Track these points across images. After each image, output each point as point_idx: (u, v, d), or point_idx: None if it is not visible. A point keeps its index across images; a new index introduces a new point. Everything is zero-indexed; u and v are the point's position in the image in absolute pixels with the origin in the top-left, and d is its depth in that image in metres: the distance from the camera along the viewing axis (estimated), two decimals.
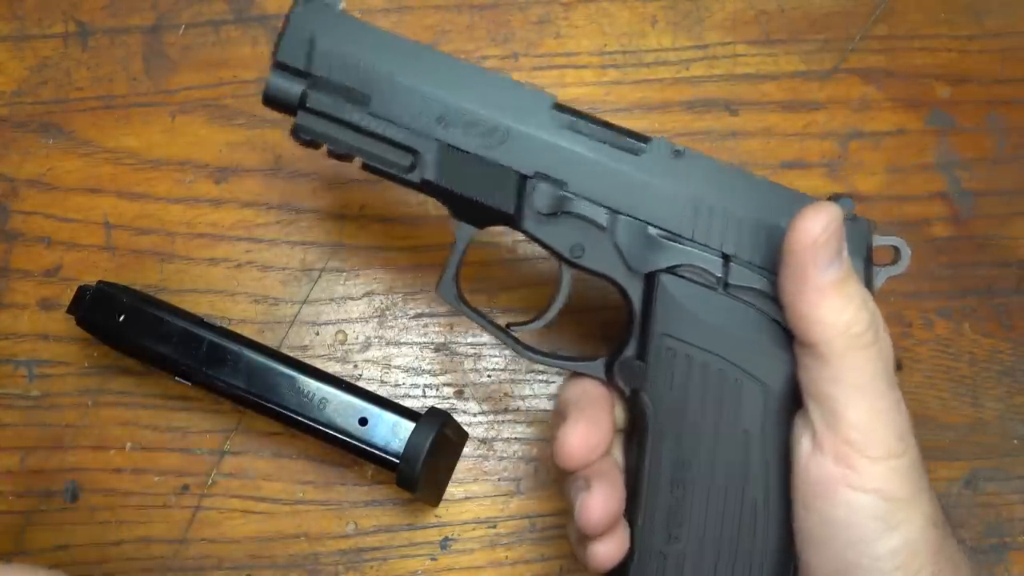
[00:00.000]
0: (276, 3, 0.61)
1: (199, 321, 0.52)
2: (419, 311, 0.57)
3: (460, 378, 0.56)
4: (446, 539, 0.55)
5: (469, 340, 0.57)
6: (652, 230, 0.42)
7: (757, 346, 0.41)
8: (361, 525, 0.54)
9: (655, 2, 0.62)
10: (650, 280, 0.42)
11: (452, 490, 0.55)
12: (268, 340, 0.56)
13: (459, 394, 0.56)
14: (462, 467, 0.55)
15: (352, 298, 0.57)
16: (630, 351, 0.43)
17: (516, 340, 0.46)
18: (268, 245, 0.58)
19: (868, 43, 0.62)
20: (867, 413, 0.38)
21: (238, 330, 0.54)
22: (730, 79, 0.61)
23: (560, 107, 0.43)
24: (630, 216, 0.42)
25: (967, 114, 0.62)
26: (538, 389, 0.56)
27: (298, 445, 0.55)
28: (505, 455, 0.56)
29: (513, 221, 0.43)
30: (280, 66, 0.43)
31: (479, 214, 0.44)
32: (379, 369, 0.56)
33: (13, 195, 0.58)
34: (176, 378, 0.51)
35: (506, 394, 0.56)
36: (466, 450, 0.55)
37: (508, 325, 0.46)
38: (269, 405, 0.50)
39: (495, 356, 0.57)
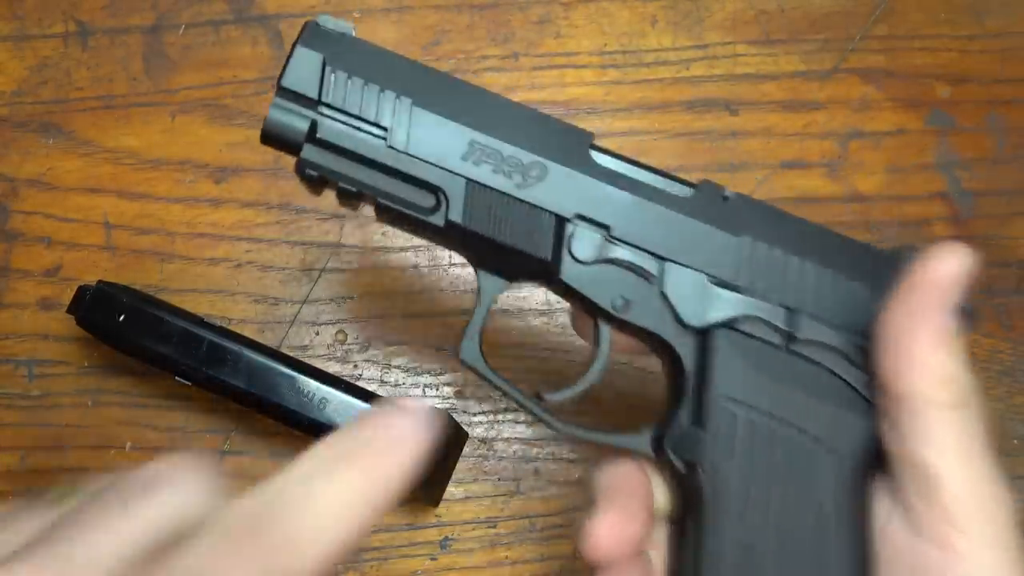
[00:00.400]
0: (276, 3, 0.61)
1: (199, 321, 0.52)
2: (419, 311, 0.57)
3: (460, 378, 0.56)
4: (446, 539, 0.55)
5: None
6: (707, 279, 0.38)
7: (828, 409, 0.36)
8: None
9: (655, 2, 0.62)
10: (706, 336, 0.38)
11: (452, 490, 0.55)
12: (268, 340, 0.56)
13: (459, 394, 0.56)
14: (462, 467, 0.55)
15: (352, 298, 0.57)
16: (683, 419, 0.37)
17: (549, 413, 0.40)
18: (268, 245, 0.58)
19: (868, 43, 0.62)
20: (970, 484, 0.33)
21: (238, 330, 0.54)
22: (730, 79, 0.61)
23: (597, 146, 0.39)
24: (682, 264, 0.38)
25: (967, 114, 0.62)
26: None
27: (298, 445, 0.55)
28: (505, 455, 0.56)
29: (549, 271, 0.38)
30: (285, 94, 0.37)
31: (510, 263, 0.39)
32: (379, 369, 0.56)
33: (13, 195, 0.58)
34: (176, 378, 0.51)
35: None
36: (466, 450, 0.55)
37: (538, 394, 0.41)
38: (269, 405, 0.50)
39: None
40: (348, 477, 0.27)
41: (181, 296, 0.56)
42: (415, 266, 0.58)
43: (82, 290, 0.52)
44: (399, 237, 0.58)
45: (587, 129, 0.39)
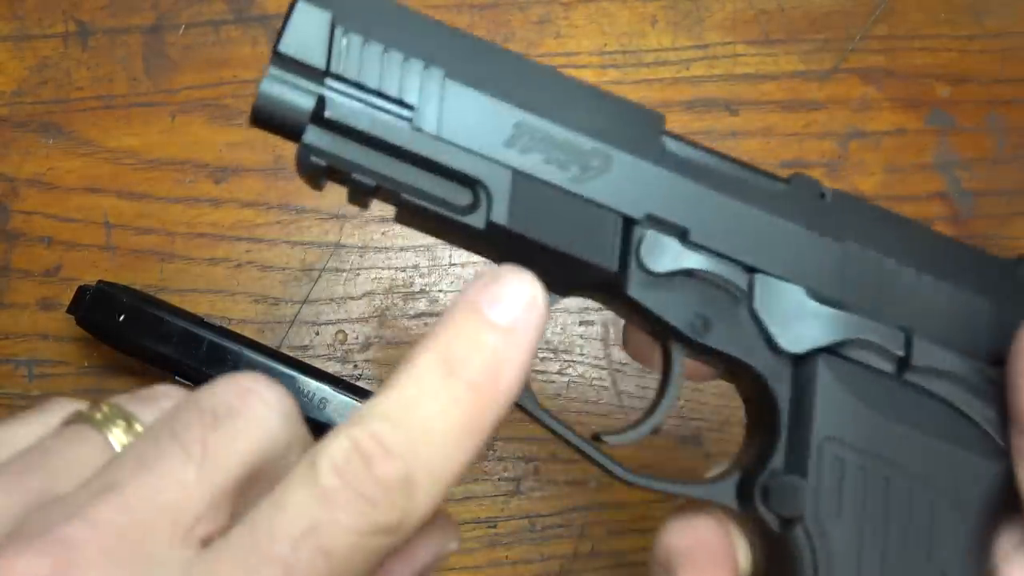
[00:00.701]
0: (276, 3, 0.61)
1: (199, 321, 0.52)
2: (419, 311, 0.57)
3: None
4: None
5: None
6: (806, 295, 0.32)
7: (951, 452, 0.31)
8: None
9: (655, 2, 0.62)
10: (804, 364, 0.31)
11: (452, 490, 0.55)
12: (268, 340, 0.56)
13: None
14: None
15: (352, 298, 0.57)
16: (776, 465, 0.31)
17: (610, 459, 0.33)
18: (268, 245, 0.58)
19: (868, 43, 0.62)
20: None
21: (238, 330, 0.54)
22: (730, 79, 0.61)
23: (670, 132, 0.32)
24: (776, 275, 0.32)
25: (967, 114, 0.62)
26: (538, 389, 0.56)
27: None
28: (505, 455, 0.56)
29: (613, 284, 0.31)
30: (284, 62, 0.29)
31: (564, 274, 0.31)
32: (379, 369, 0.56)
33: (13, 195, 0.58)
34: (176, 378, 0.51)
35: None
36: None
37: (596, 435, 0.34)
38: None
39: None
40: (459, 400, 0.24)
41: (181, 296, 0.56)
42: (415, 266, 0.58)
43: (82, 290, 0.52)
44: (399, 237, 0.58)
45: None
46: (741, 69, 0.61)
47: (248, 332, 0.55)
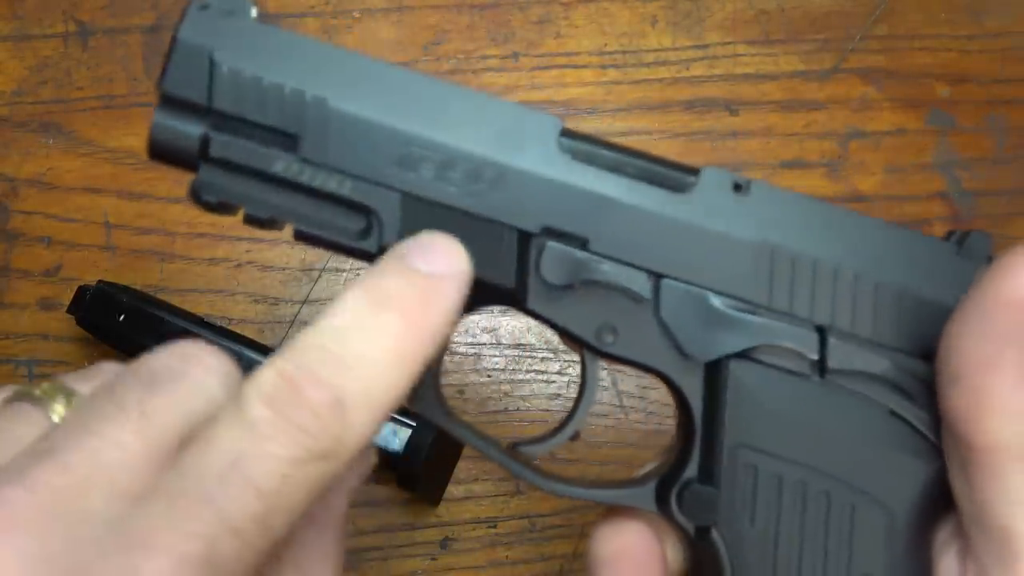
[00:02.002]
0: (276, 3, 0.61)
1: (199, 321, 0.52)
2: None
3: (460, 378, 0.56)
4: (446, 539, 0.55)
5: (468, 340, 0.57)
6: (715, 299, 0.31)
7: (877, 453, 0.30)
8: (361, 525, 0.54)
9: (655, 2, 0.62)
10: (715, 369, 0.31)
11: (452, 490, 0.55)
12: (268, 340, 0.56)
13: (459, 394, 0.56)
14: (462, 467, 0.55)
15: None
16: (691, 472, 0.31)
17: (527, 466, 0.33)
18: (268, 245, 0.58)
19: (868, 43, 0.62)
20: None
21: (238, 330, 0.54)
22: (730, 79, 0.61)
23: (569, 133, 0.31)
24: (681, 280, 0.31)
25: (967, 114, 0.62)
26: (538, 389, 0.56)
27: None
28: None
29: (513, 298, 0.31)
30: (169, 101, 0.30)
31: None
32: None
33: (13, 195, 0.58)
34: None
35: (506, 394, 0.56)
36: (466, 450, 0.55)
37: (513, 445, 0.34)
38: None
39: (495, 356, 0.57)
40: (388, 328, 0.25)
41: (181, 296, 0.56)
42: None
43: (82, 290, 0.52)
44: None
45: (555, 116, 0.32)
46: (741, 69, 0.61)
47: (248, 332, 0.55)
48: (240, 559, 0.22)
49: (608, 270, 0.31)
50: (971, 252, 0.31)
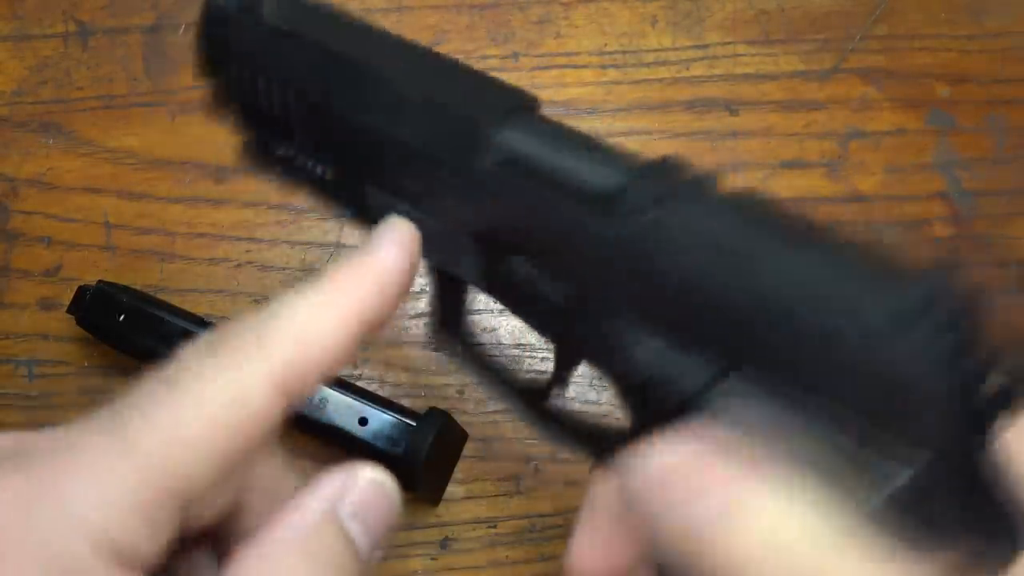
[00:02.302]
0: None
1: (199, 321, 0.52)
2: (419, 311, 0.57)
3: (460, 378, 0.56)
4: (446, 539, 0.55)
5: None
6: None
7: None
8: None
9: (655, 2, 0.62)
10: None
11: (452, 490, 0.55)
12: None
13: (459, 394, 0.56)
14: (462, 467, 0.55)
15: None
16: None
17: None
18: (268, 245, 0.58)
19: (868, 43, 0.62)
20: None
21: None
22: (730, 79, 0.61)
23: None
24: None
25: (967, 114, 0.62)
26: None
27: (297, 445, 0.55)
28: (505, 455, 0.56)
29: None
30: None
31: None
32: (379, 369, 0.56)
33: (13, 195, 0.58)
34: None
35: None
36: (466, 450, 0.55)
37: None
38: None
39: (495, 356, 0.57)
40: (326, 296, 0.29)
41: (181, 296, 0.56)
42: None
43: (82, 290, 0.52)
44: None
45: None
46: (741, 69, 0.61)
47: None
48: None
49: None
50: None
